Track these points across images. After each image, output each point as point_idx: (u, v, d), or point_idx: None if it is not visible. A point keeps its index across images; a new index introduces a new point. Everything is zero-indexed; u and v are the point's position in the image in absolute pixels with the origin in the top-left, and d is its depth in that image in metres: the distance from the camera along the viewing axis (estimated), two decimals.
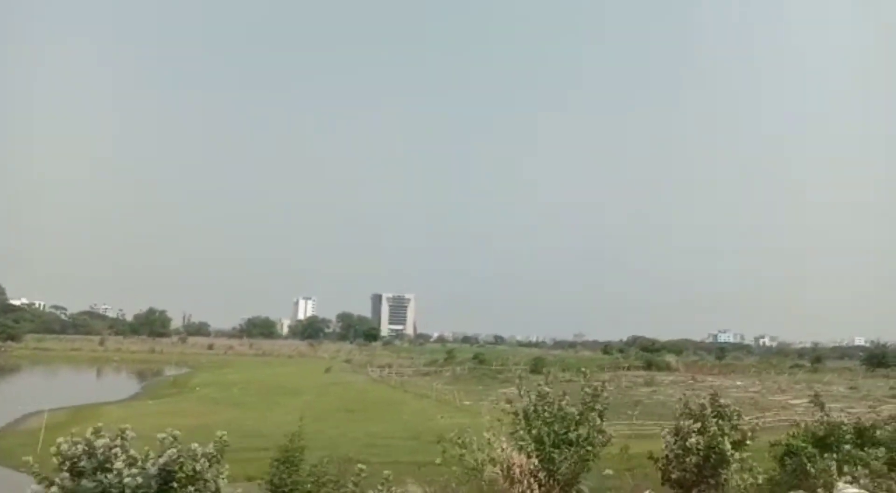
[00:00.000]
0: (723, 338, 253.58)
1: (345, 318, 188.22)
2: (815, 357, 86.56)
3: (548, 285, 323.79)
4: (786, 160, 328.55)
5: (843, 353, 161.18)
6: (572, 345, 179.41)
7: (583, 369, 14.72)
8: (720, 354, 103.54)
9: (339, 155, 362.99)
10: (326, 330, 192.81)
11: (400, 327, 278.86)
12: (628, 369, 64.42)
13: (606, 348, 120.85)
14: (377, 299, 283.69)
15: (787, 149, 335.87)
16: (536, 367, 59.38)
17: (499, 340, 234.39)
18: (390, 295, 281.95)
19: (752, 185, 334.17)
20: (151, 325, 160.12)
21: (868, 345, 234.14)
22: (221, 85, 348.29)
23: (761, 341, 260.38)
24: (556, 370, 62.81)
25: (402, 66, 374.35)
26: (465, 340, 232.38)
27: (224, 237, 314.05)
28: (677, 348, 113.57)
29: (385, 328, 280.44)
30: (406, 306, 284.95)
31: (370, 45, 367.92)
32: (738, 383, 50.89)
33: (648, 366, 64.67)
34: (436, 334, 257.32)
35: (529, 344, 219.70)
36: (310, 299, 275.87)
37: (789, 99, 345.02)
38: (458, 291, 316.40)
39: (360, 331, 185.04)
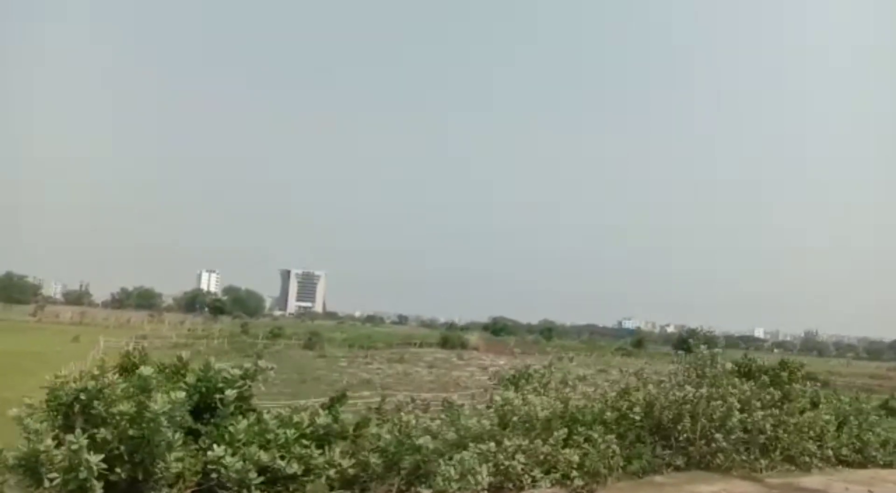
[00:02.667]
0: (627, 324, 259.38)
1: (231, 291, 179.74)
2: (636, 341, 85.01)
3: (476, 269, 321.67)
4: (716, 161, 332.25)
5: (727, 344, 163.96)
6: (465, 327, 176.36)
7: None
8: (548, 335, 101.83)
9: (263, 135, 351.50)
10: (217, 304, 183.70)
11: (309, 304, 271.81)
12: (420, 345, 60.17)
13: (451, 327, 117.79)
14: (286, 275, 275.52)
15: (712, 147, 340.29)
16: (310, 342, 54.56)
17: (402, 319, 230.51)
18: (299, 271, 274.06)
19: (673, 184, 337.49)
20: (7, 291, 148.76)
21: (766, 336, 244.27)
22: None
23: (666, 328, 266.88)
24: (333, 346, 58.61)
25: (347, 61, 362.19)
26: (370, 318, 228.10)
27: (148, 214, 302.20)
28: (535, 330, 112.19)
29: (292, 305, 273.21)
30: (316, 283, 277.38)
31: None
32: (502, 361, 47.04)
33: (444, 344, 60.77)
34: (355, 313, 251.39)
35: (431, 325, 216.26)
36: (214, 272, 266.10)
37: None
38: (377, 272, 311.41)
39: (246, 306, 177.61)
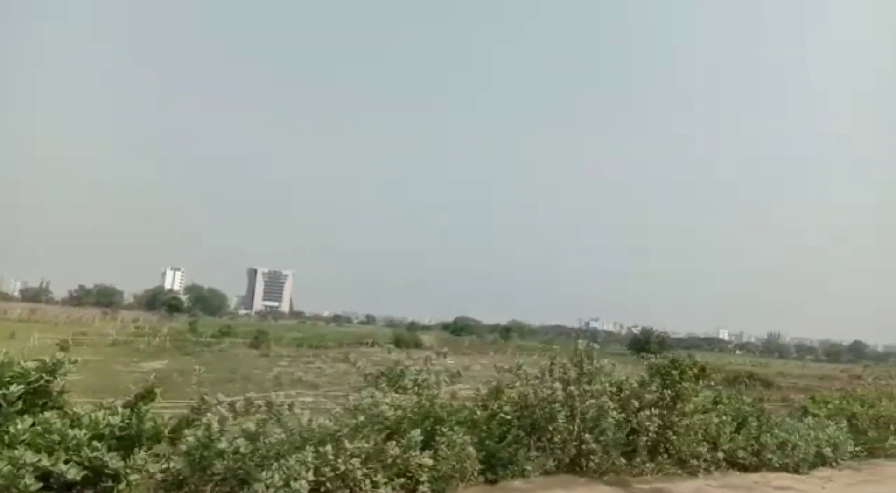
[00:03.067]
0: (594, 325, 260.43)
1: (193, 290, 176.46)
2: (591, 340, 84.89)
3: (449, 269, 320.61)
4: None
5: (686, 344, 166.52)
6: (426, 327, 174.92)
7: None
8: (506, 334, 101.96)
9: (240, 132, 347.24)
10: (173, 302, 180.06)
11: (275, 303, 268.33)
12: (372, 345, 59.14)
13: (411, 326, 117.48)
14: (252, 274, 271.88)
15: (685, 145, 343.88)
16: (255, 341, 53.26)
17: (370, 319, 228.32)
18: (266, 270, 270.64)
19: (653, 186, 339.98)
20: None
21: (730, 338, 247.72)
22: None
23: (633, 329, 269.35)
24: (281, 345, 57.48)
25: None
26: (336, 318, 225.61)
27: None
28: (499, 330, 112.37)
29: (259, 304, 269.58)
30: (283, 282, 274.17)
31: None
32: (450, 361, 46.13)
33: (397, 343, 59.94)
34: (324, 313, 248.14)
35: (398, 325, 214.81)
36: (178, 269, 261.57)
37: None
38: (348, 272, 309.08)
39: (209, 304, 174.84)
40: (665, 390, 11.64)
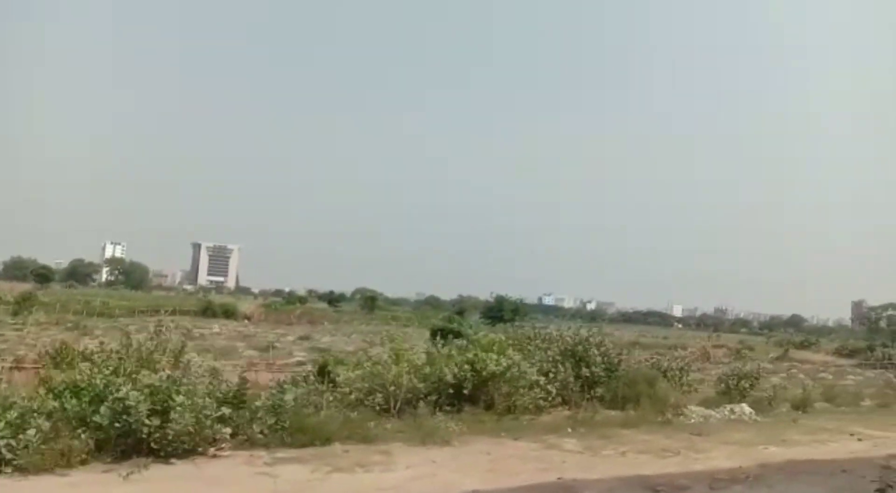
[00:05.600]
0: (547, 300, 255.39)
1: (114, 262, 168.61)
2: (459, 310, 79.60)
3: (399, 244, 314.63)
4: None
5: (629, 318, 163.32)
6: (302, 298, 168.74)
7: None
8: (371, 304, 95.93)
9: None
10: (95, 275, 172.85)
11: (221, 278, 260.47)
12: (174, 312, 52.46)
13: (289, 297, 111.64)
14: (196, 248, 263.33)
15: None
16: (18, 307, 47.02)
17: (311, 293, 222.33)
18: (210, 245, 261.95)
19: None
20: None
21: (683, 314, 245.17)
22: None
23: (588, 305, 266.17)
24: (61, 313, 51.01)
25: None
26: (278, 293, 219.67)
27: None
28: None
29: (203, 279, 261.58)
30: (228, 257, 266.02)
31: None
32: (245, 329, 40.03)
33: (204, 312, 53.33)
34: (279, 289, 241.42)
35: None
36: (119, 243, 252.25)
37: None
38: (302, 248, 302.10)
39: (130, 277, 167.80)
40: None
